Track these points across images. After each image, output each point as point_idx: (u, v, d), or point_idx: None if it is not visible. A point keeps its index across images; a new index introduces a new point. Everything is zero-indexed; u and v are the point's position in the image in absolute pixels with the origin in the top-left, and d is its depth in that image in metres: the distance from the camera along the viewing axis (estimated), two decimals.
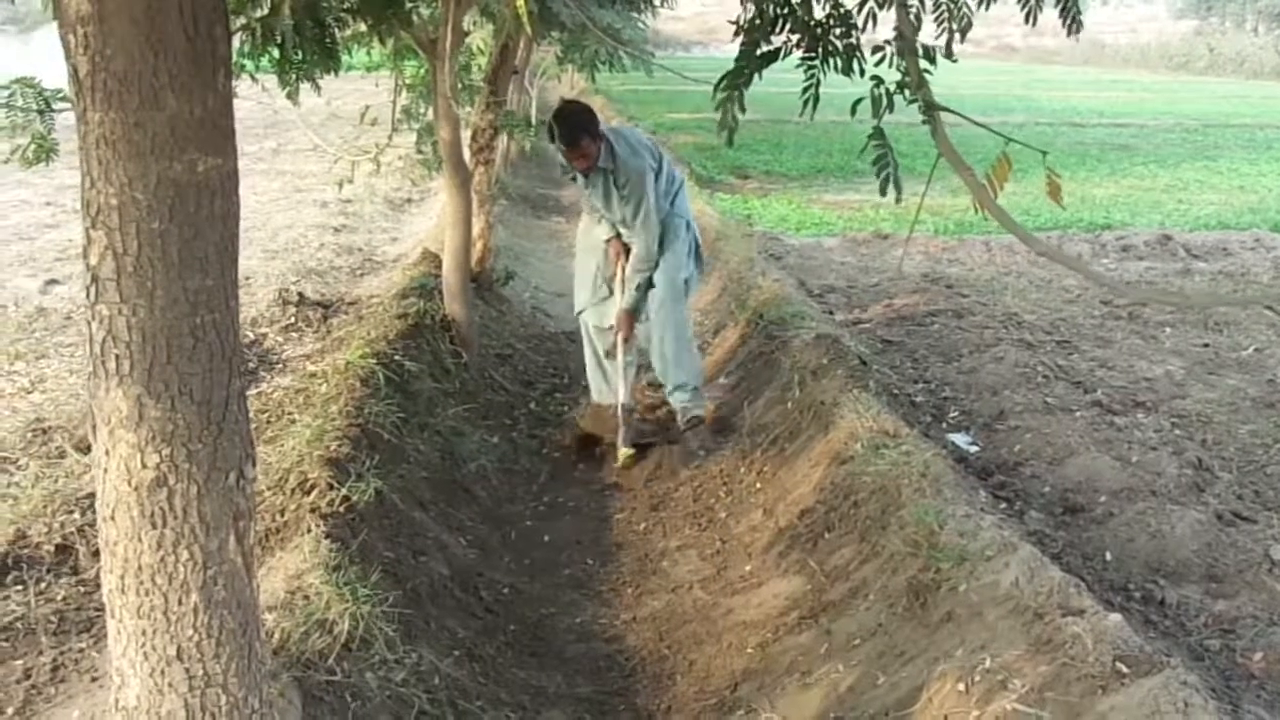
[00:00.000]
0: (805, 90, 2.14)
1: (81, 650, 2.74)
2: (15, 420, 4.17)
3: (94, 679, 2.60)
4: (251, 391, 4.66)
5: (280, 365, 5.15)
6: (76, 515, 3.29)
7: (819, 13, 2.17)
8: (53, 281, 6.29)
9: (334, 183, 6.22)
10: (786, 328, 5.09)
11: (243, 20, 3.63)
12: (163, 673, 1.63)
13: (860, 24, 2.20)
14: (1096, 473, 3.85)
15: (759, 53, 2.14)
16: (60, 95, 3.26)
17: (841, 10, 2.18)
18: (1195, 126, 18.55)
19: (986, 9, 2.42)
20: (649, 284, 4.46)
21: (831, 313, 6.24)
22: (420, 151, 6.49)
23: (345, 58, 4.59)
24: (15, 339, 5.24)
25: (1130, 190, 11.46)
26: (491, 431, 4.57)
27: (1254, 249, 8.45)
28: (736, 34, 2.21)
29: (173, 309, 1.50)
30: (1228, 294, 7.07)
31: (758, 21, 2.13)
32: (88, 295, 1.50)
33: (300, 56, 4.02)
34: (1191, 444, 4.16)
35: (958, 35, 2.31)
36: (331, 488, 2.99)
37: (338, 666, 2.30)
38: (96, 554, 1.66)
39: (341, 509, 2.94)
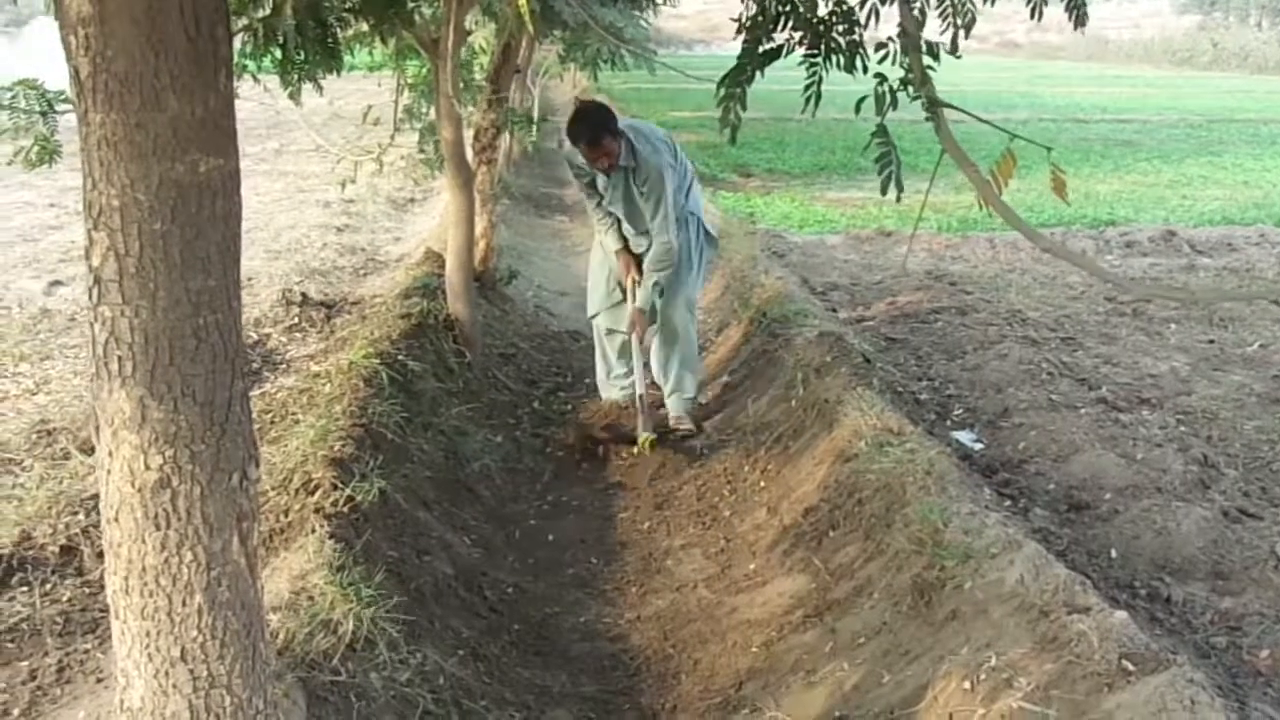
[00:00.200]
0: (807, 88, 2.13)
1: (87, 651, 2.75)
2: (20, 422, 4.17)
3: (99, 680, 2.60)
4: (255, 392, 4.66)
5: (284, 365, 5.15)
6: (81, 516, 3.29)
7: (822, 9, 2.17)
8: (57, 283, 6.30)
9: (337, 183, 6.22)
10: (790, 326, 5.08)
11: (245, 21, 3.63)
12: (167, 674, 1.63)
13: (863, 20, 2.20)
14: (1101, 470, 3.84)
15: (761, 50, 2.14)
16: (62, 97, 3.26)
17: (844, 7, 2.17)
18: (1199, 122, 18.50)
19: (992, 4, 2.41)
20: (666, 282, 4.44)
21: (835, 310, 6.23)
22: (422, 151, 6.50)
23: (347, 58, 4.58)
24: (20, 340, 5.24)
25: (1134, 186, 11.44)
26: (495, 431, 4.57)
27: (1259, 244, 8.43)
28: (739, 31, 2.20)
29: (175, 310, 1.50)
30: (1233, 289, 7.06)
31: (760, 19, 2.12)
32: (90, 296, 1.49)
33: (302, 57, 4.02)
34: (1197, 440, 4.15)
35: (962, 31, 2.30)
36: (335, 488, 2.99)
37: (342, 667, 2.30)
38: (101, 555, 1.65)
39: (345, 509, 2.94)
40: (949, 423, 4.53)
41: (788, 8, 2.13)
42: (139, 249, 1.46)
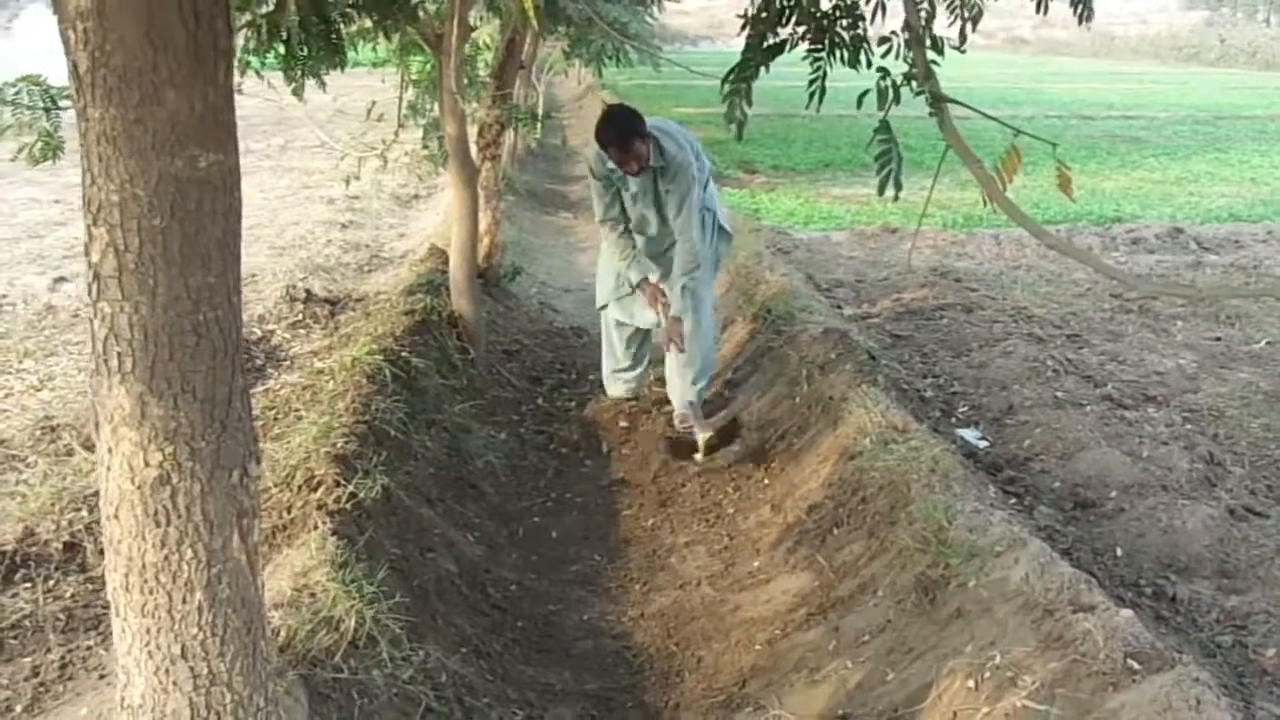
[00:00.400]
0: (811, 83, 2.12)
1: (89, 648, 2.75)
2: (24, 418, 4.18)
3: (102, 676, 2.60)
4: (259, 388, 4.66)
5: (288, 362, 5.15)
6: (84, 513, 3.30)
7: (825, 4, 2.15)
8: (61, 279, 6.31)
9: (341, 179, 6.22)
10: (794, 322, 5.07)
11: (249, 16, 3.62)
12: (167, 671, 1.62)
13: (867, 15, 2.18)
14: (1107, 468, 3.82)
15: (765, 45, 2.13)
16: (65, 93, 3.26)
17: (848, 1, 2.16)
18: (1206, 118, 18.42)
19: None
20: (694, 283, 4.42)
21: (840, 307, 6.21)
22: (426, 147, 6.49)
23: (351, 53, 4.57)
24: (24, 336, 5.25)
25: (1141, 183, 11.39)
26: (499, 428, 4.57)
27: (1266, 241, 8.39)
28: (744, 27, 2.19)
29: (174, 306, 1.49)
30: (1240, 286, 7.02)
31: (764, 13, 2.11)
32: (89, 293, 1.49)
33: (306, 52, 4.01)
34: (1203, 438, 4.13)
35: (969, 25, 2.28)
36: (338, 484, 2.99)
37: (344, 664, 2.29)
38: (104, 552, 1.65)
39: (348, 506, 2.93)
40: (954, 420, 4.51)
41: (792, 2, 2.12)
42: (138, 245, 1.45)
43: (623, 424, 4.74)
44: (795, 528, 3.51)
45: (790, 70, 2.66)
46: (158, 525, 1.56)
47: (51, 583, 3.02)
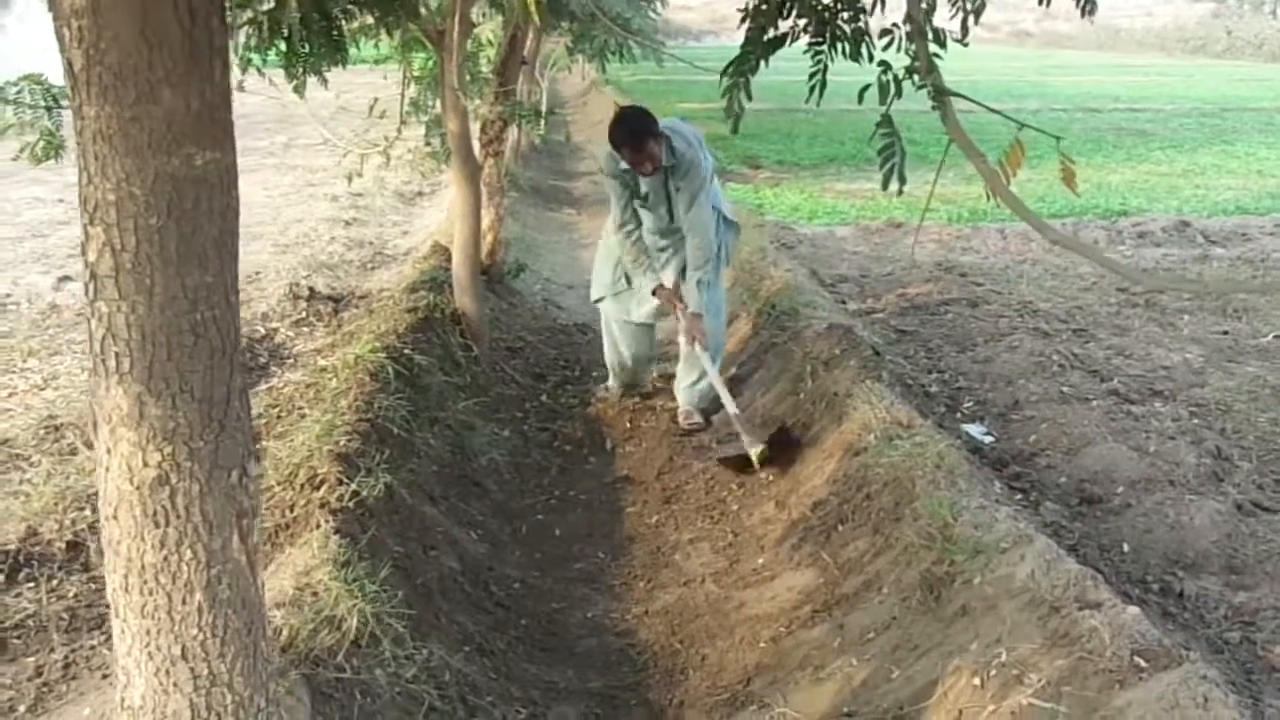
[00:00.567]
0: (812, 76, 2.10)
1: (93, 647, 2.75)
2: (28, 417, 4.18)
3: (105, 676, 2.60)
4: (262, 386, 4.66)
5: (291, 360, 5.15)
6: (88, 512, 3.29)
7: None
8: (65, 278, 6.31)
9: (344, 176, 6.22)
10: (799, 318, 5.06)
11: (249, 14, 3.61)
12: (167, 672, 1.62)
13: (869, 7, 2.17)
14: (1113, 463, 3.80)
15: (766, 38, 2.11)
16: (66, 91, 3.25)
17: None
18: (1213, 111, 18.33)
19: None
20: (707, 278, 4.42)
21: (844, 302, 6.20)
22: (429, 144, 6.47)
23: (352, 50, 4.56)
24: (29, 335, 5.26)
25: (1147, 176, 11.34)
26: (502, 425, 4.56)
27: (1273, 234, 8.35)
28: (744, 20, 2.17)
29: (172, 305, 1.48)
30: (1247, 280, 6.99)
31: (764, 6, 2.09)
32: (87, 292, 1.48)
33: (307, 49, 4.00)
34: (1210, 433, 4.11)
35: (971, 17, 2.26)
36: (341, 483, 2.98)
37: (347, 663, 2.29)
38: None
39: (351, 504, 2.93)
40: (959, 415, 4.50)
41: None
42: (135, 244, 1.44)
43: (627, 421, 4.73)
44: (800, 524, 3.50)
45: (793, 65, 2.64)
46: (157, 526, 1.55)
47: (55, 582, 3.02)
